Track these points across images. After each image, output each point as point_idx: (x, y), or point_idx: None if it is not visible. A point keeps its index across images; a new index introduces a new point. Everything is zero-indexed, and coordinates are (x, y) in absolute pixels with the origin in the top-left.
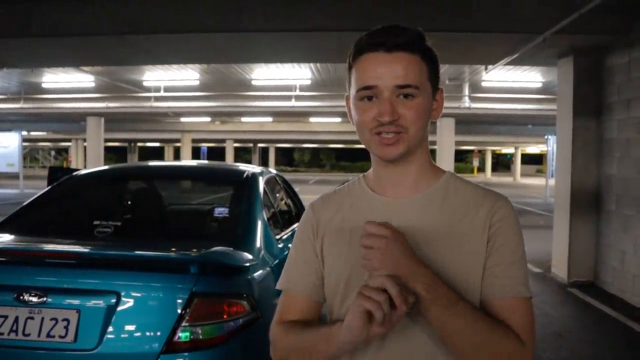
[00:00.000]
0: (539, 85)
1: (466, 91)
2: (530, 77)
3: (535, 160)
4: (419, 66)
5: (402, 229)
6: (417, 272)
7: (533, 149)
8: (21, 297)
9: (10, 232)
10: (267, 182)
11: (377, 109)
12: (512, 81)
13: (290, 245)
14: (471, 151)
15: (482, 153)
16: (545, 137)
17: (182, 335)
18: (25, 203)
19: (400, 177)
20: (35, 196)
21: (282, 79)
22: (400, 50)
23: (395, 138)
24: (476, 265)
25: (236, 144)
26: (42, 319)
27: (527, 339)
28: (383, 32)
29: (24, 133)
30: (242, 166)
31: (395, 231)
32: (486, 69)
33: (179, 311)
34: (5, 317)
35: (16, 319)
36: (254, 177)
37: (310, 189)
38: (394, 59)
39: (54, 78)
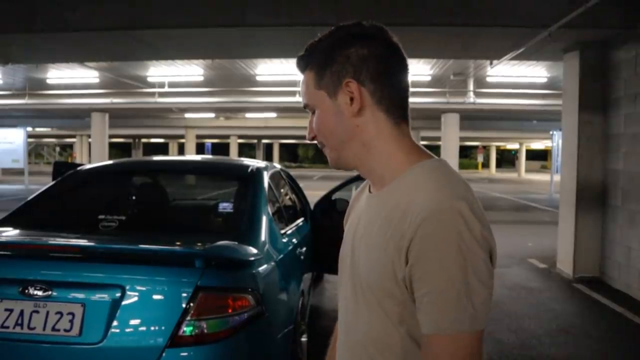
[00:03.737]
0: (544, 80)
1: (471, 86)
2: (536, 72)
3: (539, 156)
4: (308, 78)
5: (365, 224)
6: None
7: (537, 145)
8: (26, 291)
9: (16, 226)
10: (271, 177)
11: None
12: (517, 76)
13: (294, 240)
14: (476, 147)
15: (486, 149)
16: (550, 132)
17: (187, 330)
18: (30, 197)
19: (367, 177)
20: (40, 190)
21: (286, 74)
22: (305, 71)
23: (326, 151)
24: (386, 272)
25: (240, 140)
26: (47, 312)
27: None
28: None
29: (29, 129)
30: (246, 161)
31: None
32: (491, 64)
33: (184, 305)
34: (11, 310)
35: (21, 313)
36: (258, 172)
37: (315, 184)
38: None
39: (59, 74)
